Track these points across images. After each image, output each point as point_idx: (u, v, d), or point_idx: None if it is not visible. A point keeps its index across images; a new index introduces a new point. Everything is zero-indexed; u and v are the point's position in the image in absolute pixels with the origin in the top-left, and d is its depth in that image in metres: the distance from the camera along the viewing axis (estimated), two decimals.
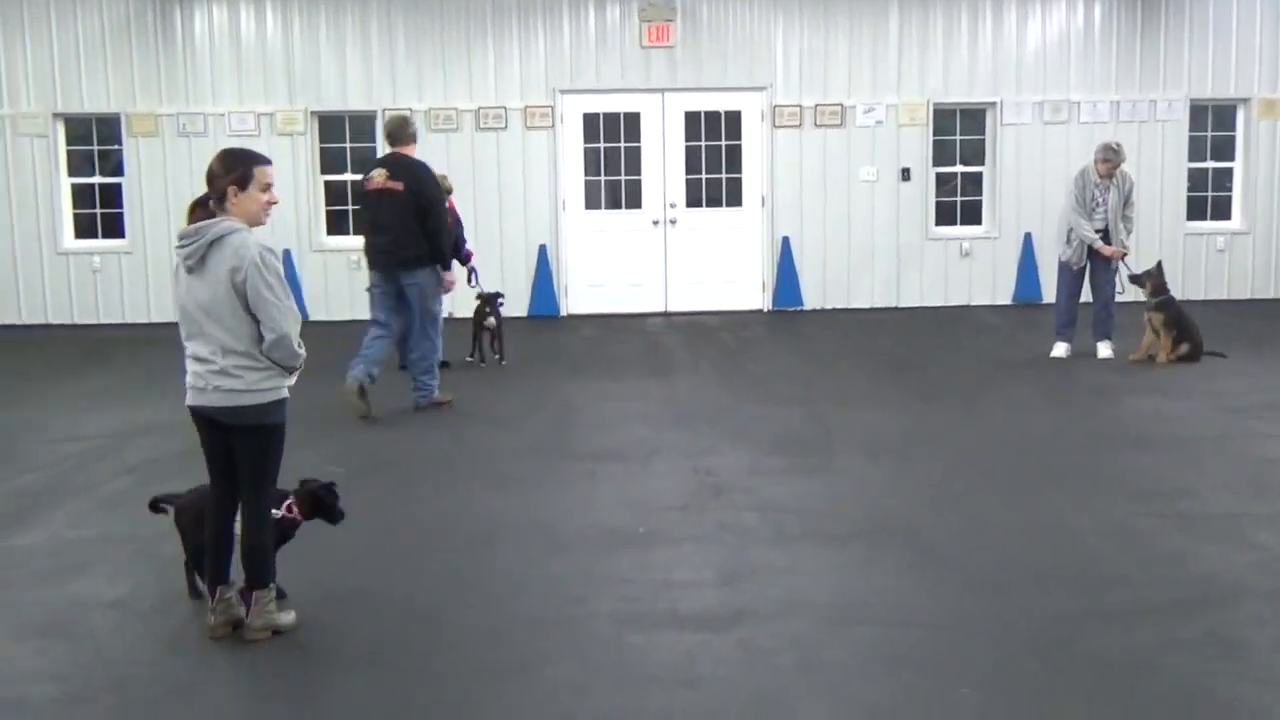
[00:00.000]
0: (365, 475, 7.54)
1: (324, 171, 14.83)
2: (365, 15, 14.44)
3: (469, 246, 11.48)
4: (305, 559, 6.00)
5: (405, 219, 9.05)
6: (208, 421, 4.90)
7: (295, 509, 5.24)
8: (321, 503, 5.35)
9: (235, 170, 4.80)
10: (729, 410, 9.31)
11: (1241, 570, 5.52)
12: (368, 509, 6.83)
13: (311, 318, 14.55)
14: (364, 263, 9.67)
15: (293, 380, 4.94)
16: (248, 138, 14.40)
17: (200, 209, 4.83)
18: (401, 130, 9.29)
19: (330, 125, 14.81)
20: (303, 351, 4.86)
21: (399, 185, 9.07)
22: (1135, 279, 10.93)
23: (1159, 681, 4.39)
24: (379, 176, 9.17)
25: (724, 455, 7.84)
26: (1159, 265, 11.09)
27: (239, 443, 4.88)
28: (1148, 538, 6.06)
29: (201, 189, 4.89)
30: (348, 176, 14.78)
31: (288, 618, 5.00)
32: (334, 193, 14.92)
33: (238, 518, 4.97)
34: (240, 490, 4.95)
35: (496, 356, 11.36)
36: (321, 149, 14.80)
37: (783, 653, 4.70)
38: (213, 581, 4.98)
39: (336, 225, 14.92)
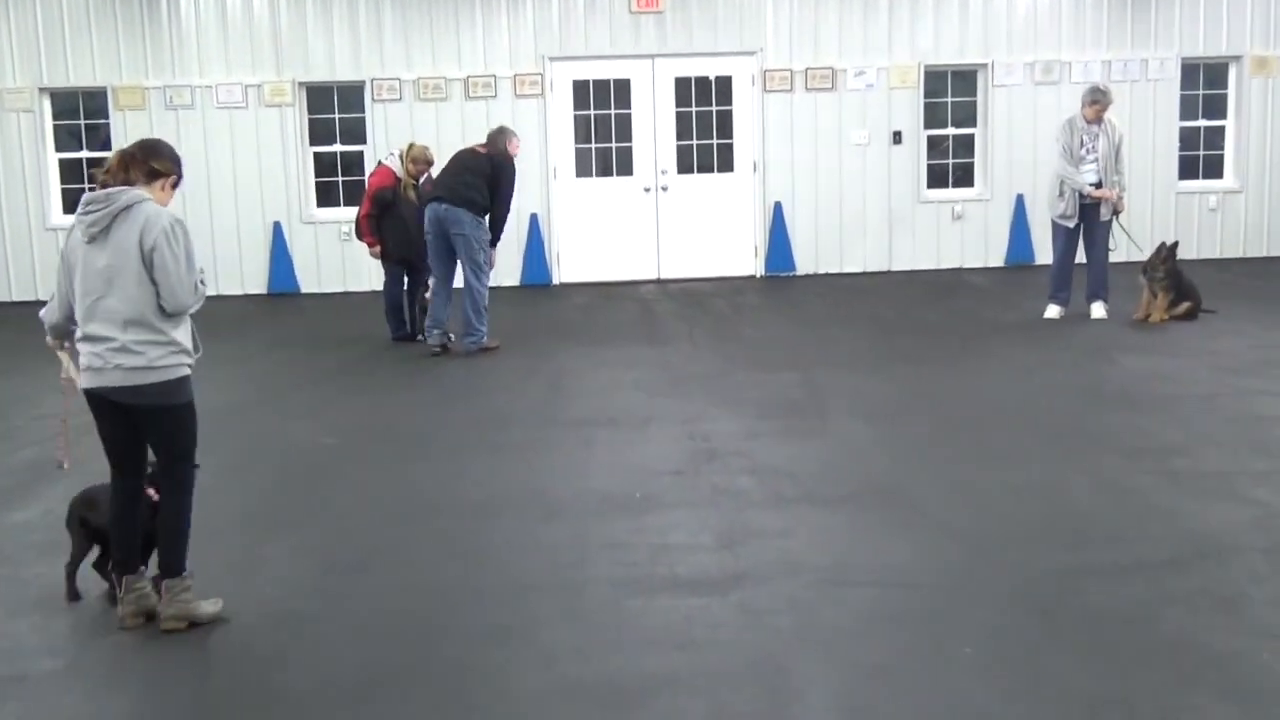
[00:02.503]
0: (361, 445, 7.55)
1: (313, 143, 14.75)
2: None
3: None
4: (303, 529, 6.01)
5: (473, 183, 10.22)
6: (109, 405, 4.69)
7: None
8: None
9: (177, 171, 4.86)
10: (723, 376, 9.31)
11: (1237, 526, 5.53)
12: (364, 479, 6.85)
13: (303, 290, 14.56)
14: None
15: (191, 359, 4.78)
16: (235, 110, 14.33)
17: (111, 173, 4.71)
18: (495, 139, 10.61)
19: (318, 96, 14.73)
20: (199, 345, 4.81)
21: (485, 150, 10.47)
22: (1149, 272, 10.78)
23: (1155, 635, 4.41)
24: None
25: (718, 420, 7.84)
26: (1172, 250, 10.89)
27: (148, 426, 4.72)
28: (1142, 495, 6.07)
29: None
30: (337, 148, 14.72)
31: (211, 607, 4.79)
32: (323, 164, 14.83)
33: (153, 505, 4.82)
34: (158, 473, 4.82)
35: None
36: (310, 120, 14.71)
37: (781, 615, 4.71)
38: (120, 570, 4.81)
39: (326, 197, 14.85)
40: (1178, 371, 8.95)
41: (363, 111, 14.52)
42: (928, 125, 14.97)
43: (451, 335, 10.48)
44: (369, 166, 13.71)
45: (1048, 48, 14.77)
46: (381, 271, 11.26)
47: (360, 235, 11.17)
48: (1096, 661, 4.24)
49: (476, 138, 14.38)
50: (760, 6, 14.57)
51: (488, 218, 10.37)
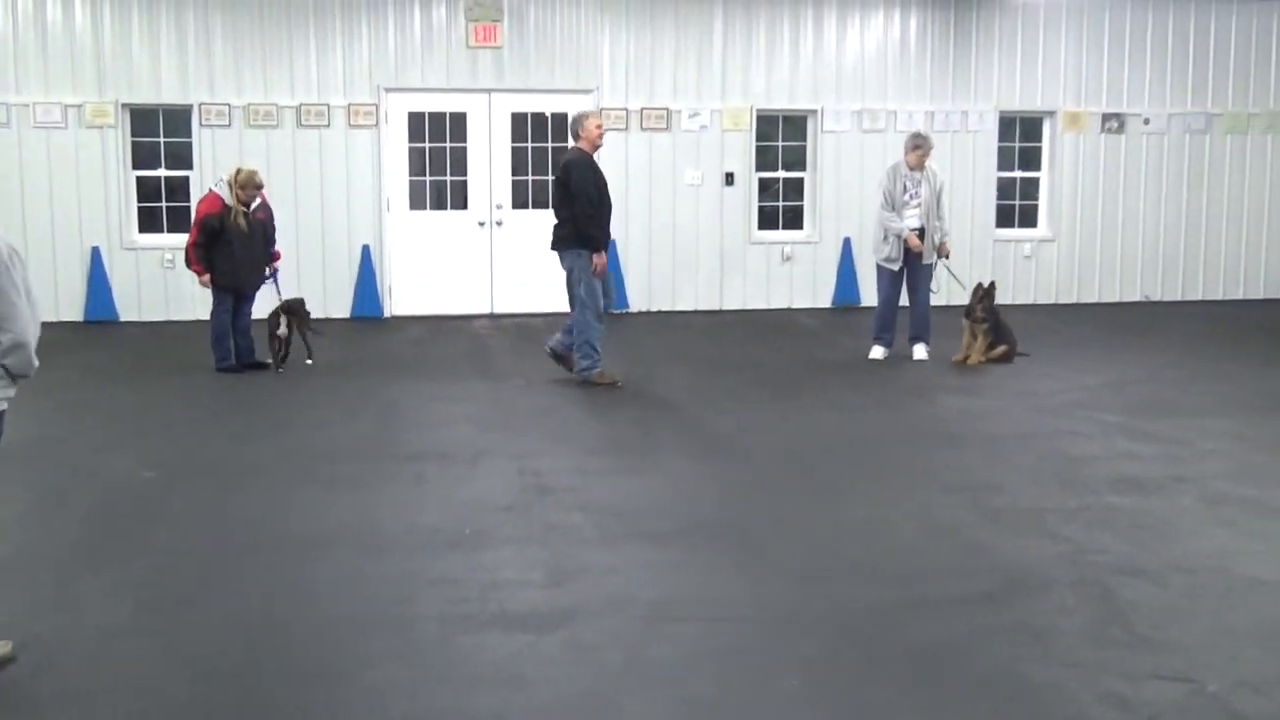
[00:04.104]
0: (183, 479, 7.32)
1: (136, 166, 14.30)
2: (181, 5, 13.99)
3: (278, 248, 11.21)
4: (120, 566, 5.80)
5: (556, 204, 10.00)
6: None
7: None
8: None
9: None
10: (555, 411, 9.31)
11: (1049, 561, 5.75)
12: (185, 513, 6.65)
13: (123, 318, 14.08)
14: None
15: (13, 392, 4.61)
16: (54, 129, 13.82)
17: None
18: (572, 126, 10.26)
19: (143, 119, 14.29)
20: (37, 363, 4.61)
21: (560, 178, 10.00)
22: (971, 314, 11.11)
23: (973, 668, 4.55)
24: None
25: (550, 456, 7.84)
26: (990, 288, 11.22)
27: None
28: (961, 531, 6.27)
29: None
30: (161, 172, 14.31)
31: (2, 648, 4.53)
32: (147, 189, 14.39)
33: None
34: None
35: (305, 358, 10.99)
36: (133, 143, 14.27)
37: (609, 650, 4.71)
38: None
39: (149, 223, 14.40)
40: (995, 412, 9.28)
41: (189, 136, 14.16)
42: (759, 168, 15.28)
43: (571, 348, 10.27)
44: (195, 192, 13.38)
45: (874, 97, 15.24)
46: (208, 299, 10.96)
47: (189, 264, 10.87)
48: (917, 693, 4.35)
49: (308, 167, 14.27)
50: (597, 46, 14.72)
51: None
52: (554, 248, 10.10)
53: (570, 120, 10.37)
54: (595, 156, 10.25)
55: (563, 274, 10.08)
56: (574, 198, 9.80)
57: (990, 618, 5.05)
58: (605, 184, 10.08)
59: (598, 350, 10.09)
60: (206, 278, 10.69)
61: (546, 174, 14.86)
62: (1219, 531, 6.25)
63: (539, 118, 14.79)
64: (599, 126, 10.19)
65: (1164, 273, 16.15)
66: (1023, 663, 4.58)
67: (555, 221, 10.05)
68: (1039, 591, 5.35)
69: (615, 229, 14.77)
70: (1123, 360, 11.62)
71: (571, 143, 10.29)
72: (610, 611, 5.12)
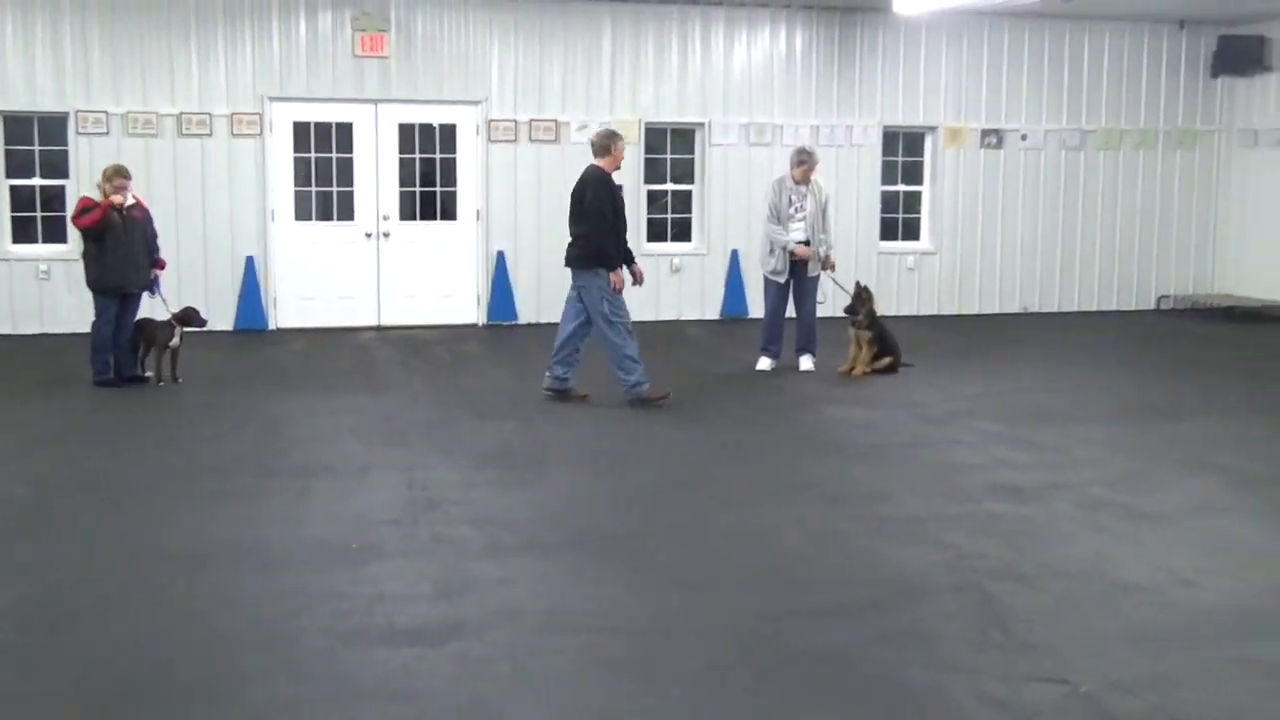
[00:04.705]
0: (60, 497, 7.14)
1: (9, 175, 13.90)
2: (57, 12, 13.64)
3: (162, 256, 10.99)
4: None
5: (574, 222, 9.85)
6: None
7: None
8: None
9: None
10: (443, 424, 9.25)
11: (932, 567, 5.86)
12: (62, 532, 6.48)
13: None
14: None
15: None
16: None
17: None
18: (595, 145, 10.00)
19: (17, 126, 13.90)
20: None
21: (576, 193, 9.87)
22: (850, 313, 11.32)
23: (857, 674, 4.62)
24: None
25: (438, 469, 7.79)
26: (867, 290, 11.46)
27: None
28: (847, 539, 6.37)
29: None
30: (36, 181, 13.92)
31: None
32: (20, 198, 13.99)
33: None
34: None
35: (173, 376, 10.75)
36: (7, 151, 13.86)
37: (498, 662, 4.70)
38: None
39: (23, 233, 14.00)
40: (880, 422, 9.43)
41: (65, 144, 13.81)
42: (648, 180, 15.36)
43: (568, 381, 10.07)
44: (71, 201, 13.04)
45: (761, 111, 15.41)
46: (86, 311, 10.67)
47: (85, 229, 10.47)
48: (804, 700, 4.40)
49: (190, 176, 14.00)
50: (485, 58, 14.67)
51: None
52: (568, 265, 9.99)
53: (598, 136, 10.08)
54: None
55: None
56: (588, 214, 9.70)
57: (875, 624, 5.14)
58: (622, 203, 10.07)
59: (639, 363, 9.88)
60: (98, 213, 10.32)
61: (435, 185, 14.79)
62: (1094, 537, 6.43)
63: (426, 129, 14.70)
64: (622, 149, 10.13)
65: (1042, 284, 16.56)
66: (906, 667, 4.66)
67: (569, 239, 9.94)
68: (922, 597, 5.45)
69: (504, 241, 14.90)
70: (1003, 370, 11.90)
71: (594, 159, 9.98)
72: (499, 623, 5.10)
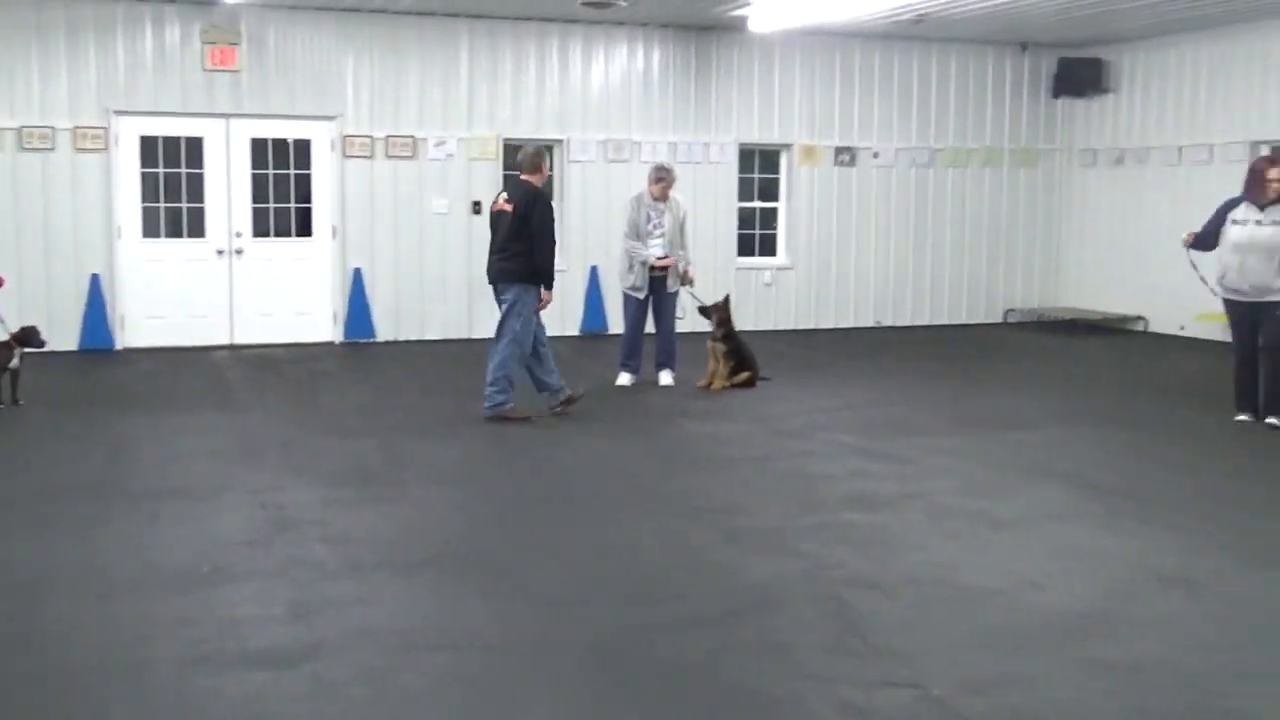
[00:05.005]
0: None
1: None
2: None
3: (0, 274, 10.61)
4: None
5: (507, 238, 9.79)
6: None
7: None
8: None
9: None
10: (299, 443, 9.09)
11: (789, 578, 5.94)
12: None
13: None
14: None
15: None
16: None
17: None
18: (526, 162, 10.11)
19: None
20: None
21: (510, 206, 9.82)
22: (704, 310, 11.51)
23: (717, 684, 4.66)
24: (500, 199, 10.11)
25: (294, 489, 7.65)
26: (726, 299, 11.64)
27: None
28: (706, 552, 6.42)
29: None
30: None
31: None
32: None
33: None
34: None
35: (13, 399, 10.35)
36: None
37: (355, 684, 4.63)
38: None
39: None
40: (738, 435, 9.53)
41: None
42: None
43: (566, 390, 10.07)
44: None
45: (619, 127, 15.49)
46: None
47: None
48: (664, 712, 4.42)
49: (30, 192, 13.53)
50: (340, 72, 14.48)
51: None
52: (497, 280, 9.94)
53: (527, 153, 10.19)
54: None
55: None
56: (535, 233, 9.75)
57: (734, 634, 5.19)
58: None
59: (513, 386, 9.93)
60: None
61: (289, 201, 14.54)
62: (946, 544, 6.58)
63: (280, 144, 14.45)
64: (549, 165, 10.33)
65: (894, 299, 16.93)
66: (764, 676, 4.72)
67: (500, 254, 9.88)
68: (780, 607, 5.52)
69: (361, 258, 14.71)
70: (858, 383, 12.13)
71: (522, 175, 10.07)
72: (357, 644, 5.02)
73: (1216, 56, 15.23)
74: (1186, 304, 15.44)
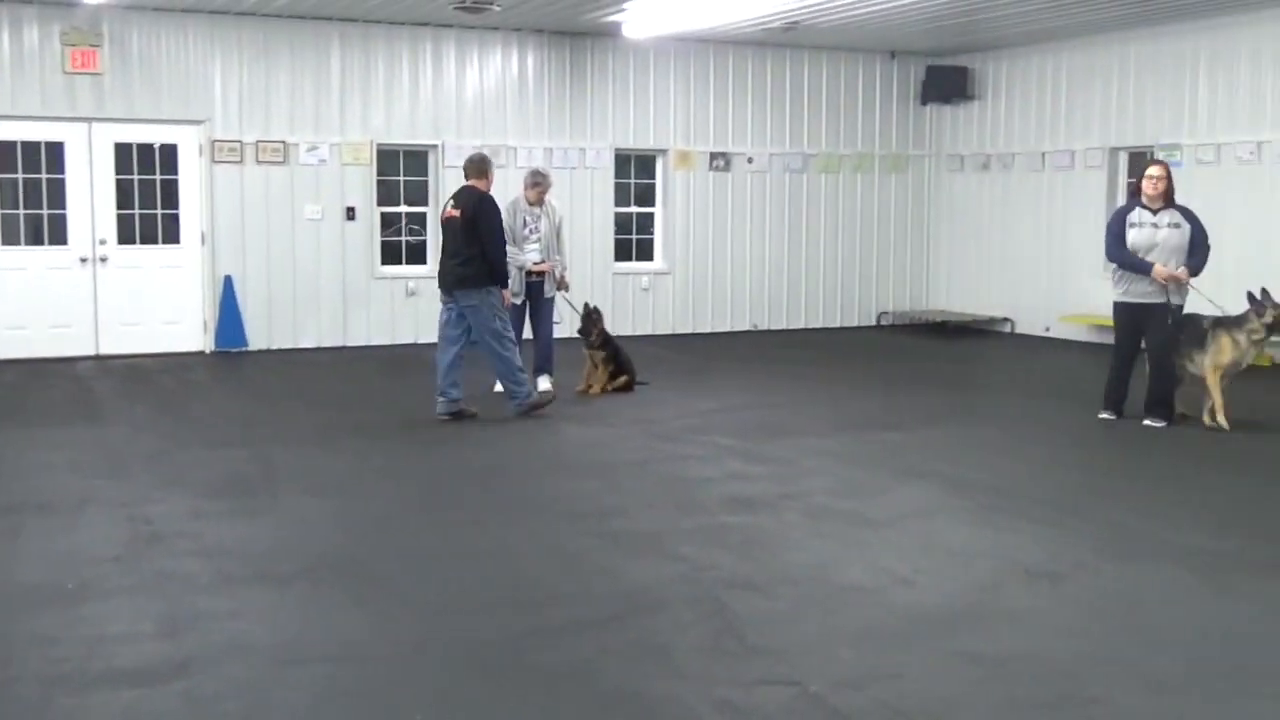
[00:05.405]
0: None
1: None
2: None
3: None
4: None
5: (459, 243, 9.98)
6: None
7: None
8: None
9: None
10: (169, 455, 8.88)
11: (667, 580, 5.97)
12: None
13: None
14: None
15: None
16: None
17: None
18: (472, 168, 10.33)
19: None
20: None
21: (458, 212, 10.03)
22: (583, 334, 11.43)
23: (597, 688, 4.66)
24: (448, 207, 10.30)
25: (163, 501, 7.47)
26: (593, 310, 11.55)
27: None
28: (585, 556, 6.42)
29: None
30: None
31: None
32: None
33: None
34: None
35: None
36: None
37: (227, 700, 4.53)
38: None
39: None
40: (616, 439, 9.56)
41: None
42: (381, 202, 15.16)
43: (460, 400, 10.17)
44: None
45: (495, 132, 15.43)
46: None
47: None
48: (544, 718, 4.41)
49: None
50: (208, 75, 14.19)
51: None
52: (455, 287, 10.07)
53: (474, 161, 10.42)
54: None
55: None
56: (487, 237, 9.96)
57: (613, 638, 5.20)
58: None
59: (525, 373, 10.36)
60: None
61: (155, 207, 14.20)
62: (821, 543, 6.68)
63: (145, 149, 14.11)
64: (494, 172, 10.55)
65: (770, 303, 17.12)
66: (643, 679, 4.73)
67: (454, 259, 10.03)
68: (658, 610, 5.54)
69: (232, 264, 14.43)
70: (735, 386, 12.24)
71: (468, 180, 10.28)
72: (229, 659, 4.92)
73: (1076, 66, 15.71)
74: (1052, 306, 15.95)
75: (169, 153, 14.22)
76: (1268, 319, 9.56)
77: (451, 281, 10.13)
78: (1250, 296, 9.71)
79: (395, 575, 6.10)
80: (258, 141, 14.42)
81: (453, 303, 10.20)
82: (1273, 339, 9.96)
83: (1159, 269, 9.72)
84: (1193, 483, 8.27)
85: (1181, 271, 9.76)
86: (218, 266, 14.37)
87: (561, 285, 11.60)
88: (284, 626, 5.37)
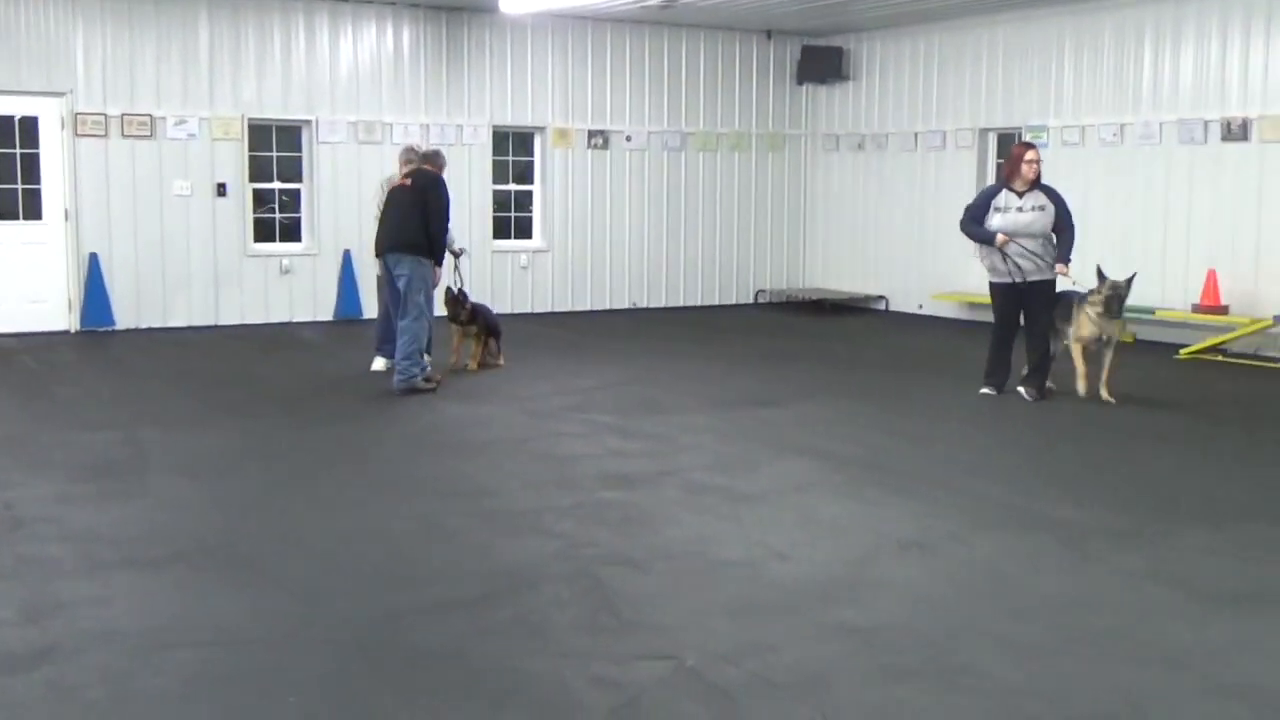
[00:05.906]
0: None
1: None
2: None
3: None
4: None
5: (405, 212, 10.29)
6: None
7: None
8: None
9: None
10: (30, 437, 8.62)
11: (544, 558, 5.98)
12: None
13: None
14: None
15: None
16: None
17: None
18: (424, 156, 10.91)
19: None
20: None
21: (409, 182, 10.43)
22: (453, 319, 11.37)
23: (474, 666, 4.66)
24: (397, 177, 10.82)
25: (25, 486, 7.25)
26: (458, 291, 11.48)
27: None
28: (461, 535, 6.40)
29: None
30: None
31: None
32: None
33: None
34: None
35: None
36: None
37: (93, 687, 4.43)
38: None
39: None
40: (494, 417, 9.52)
41: None
42: (253, 179, 14.86)
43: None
44: None
45: (370, 109, 15.22)
46: None
47: None
48: (420, 697, 4.39)
49: None
50: (69, 46, 13.74)
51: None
52: (390, 251, 10.35)
53: (430, 154, 10.97)
54: None
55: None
56: (432, 209, 10.28)
57: (490, 616, 5.19)
58: None
59: (424, 356, 10.49)
60: None
61: (15, 182, 13.74)
62: (697, 519, 6.74)
63: (5, 121, 13.63)
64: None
65: (649, 281, 17.18)
66: (520, 656, 4.74)
67: (396, 227, 10.32)
68: (535, 587, 5.55)
69: (98, 242, 14.03)
70: (613, 364, 12.27)
71: (427, 166, 10.68)
72: (96, 645, 4.81)
73: (948, 48, 16.00)
74: (925, 284, 16.26)
75: (29, 125, 13.76)
76: (1104, 293, 9.95)
77: (388, 245, 10.37)
78: (1098, 272, 10.07)
79: (270, 557, 6.01)
80: (123, 114, 14.03)
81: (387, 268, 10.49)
82: (1127, 315, 10.36)
83: (1001, 237, 10.00)
84: (1059, 455, 8.51)
85: (1060, 267, 10.04)
86: (83, 243, 13.96)
87: (454, 253, 11.51)
88: (155, 612, 5.26)
